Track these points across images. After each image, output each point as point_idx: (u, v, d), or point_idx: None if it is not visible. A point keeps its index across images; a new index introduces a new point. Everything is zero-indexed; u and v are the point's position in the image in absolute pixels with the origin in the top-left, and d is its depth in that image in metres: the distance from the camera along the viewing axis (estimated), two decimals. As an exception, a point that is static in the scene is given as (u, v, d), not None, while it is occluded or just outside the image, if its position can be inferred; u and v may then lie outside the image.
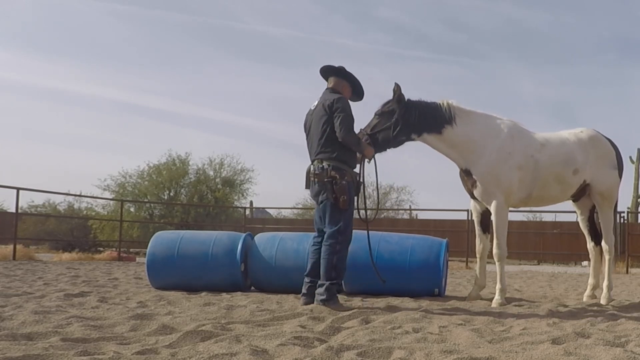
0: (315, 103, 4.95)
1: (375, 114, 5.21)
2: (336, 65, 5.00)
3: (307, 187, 4.92)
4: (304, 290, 4.87)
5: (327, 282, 4.66)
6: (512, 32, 51.37)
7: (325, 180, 4.71)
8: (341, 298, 5.12)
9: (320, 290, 4.68)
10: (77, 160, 49.22)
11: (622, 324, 4.01)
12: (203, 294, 5.63)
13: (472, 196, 5.45)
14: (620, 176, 5.78)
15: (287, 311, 4.32)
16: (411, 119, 5.15)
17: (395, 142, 5.20)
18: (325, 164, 4.73)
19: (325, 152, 4.76)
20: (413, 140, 5.28)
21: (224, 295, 5.58)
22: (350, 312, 4.23)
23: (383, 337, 3.26)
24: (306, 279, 4.87)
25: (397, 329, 3.59)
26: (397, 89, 5.14)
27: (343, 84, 4.98)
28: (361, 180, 4.98)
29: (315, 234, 5.02)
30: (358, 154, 4.93)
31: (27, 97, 48.29)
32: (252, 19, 50.78)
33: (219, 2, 52.77)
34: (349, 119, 4.74)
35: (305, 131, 5.01)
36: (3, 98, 48.19)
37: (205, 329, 3.26)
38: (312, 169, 4.83)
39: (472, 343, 3.10)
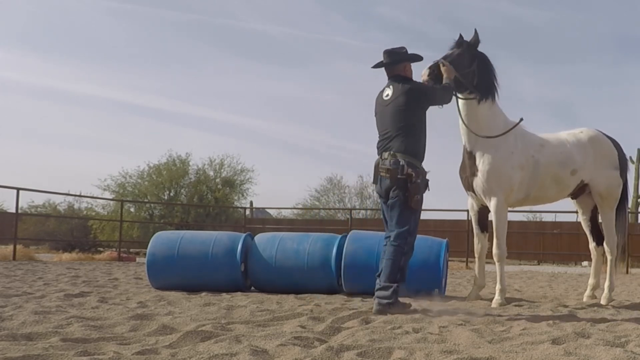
0: (389, 92, 4.62)
1: (459, 52, 4.97)
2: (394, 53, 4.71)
3: (375, 181, 4.63)
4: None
5: (394, 285, 4.40)
6: (512, 30, 51.38)
7: (399, 177, 4.43)
8: (341, 298, 5.12)
9: (385, 293, 4.37)
10: (77, 160, 49.23)
11: (622, 324, 4.00)
12: (203, 294, 5.62)
13: (469, 188, 5.31)
14: (623, 177, 5.74)
15: (287, 311, 4.31)
16: (483, 78, 5.04)
17: (453, 94, 4.91)
18: (400, 158, 4.45)
19: (398, 144, 4.48)
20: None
21: (224, 295, 5.58)
22: (351, 312, 4.23)
23: (383, 337, 3.25)
24: (378, 281, 4.53)
25: (397, 329, 3.59)
26: (477, 36, 5.00)
27: (406, 67, 4.71)
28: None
29: (386, 232, 4.68)
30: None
31: (27, 97, 48.34)
32: (252, 18, 50.73)
33: (219, 1, 52.78)
34: (435, 90, 4.64)
35: (376, 120, 4.73)
36: (3, 98, 48.22)
37: (205, 329, 3.26)
38: (384, 163, 4.51)
39: (472, 343, 3.10)
